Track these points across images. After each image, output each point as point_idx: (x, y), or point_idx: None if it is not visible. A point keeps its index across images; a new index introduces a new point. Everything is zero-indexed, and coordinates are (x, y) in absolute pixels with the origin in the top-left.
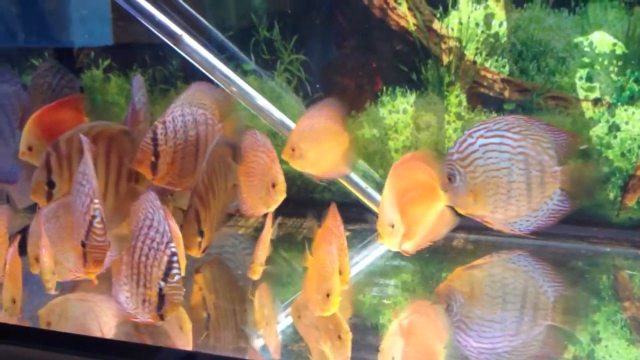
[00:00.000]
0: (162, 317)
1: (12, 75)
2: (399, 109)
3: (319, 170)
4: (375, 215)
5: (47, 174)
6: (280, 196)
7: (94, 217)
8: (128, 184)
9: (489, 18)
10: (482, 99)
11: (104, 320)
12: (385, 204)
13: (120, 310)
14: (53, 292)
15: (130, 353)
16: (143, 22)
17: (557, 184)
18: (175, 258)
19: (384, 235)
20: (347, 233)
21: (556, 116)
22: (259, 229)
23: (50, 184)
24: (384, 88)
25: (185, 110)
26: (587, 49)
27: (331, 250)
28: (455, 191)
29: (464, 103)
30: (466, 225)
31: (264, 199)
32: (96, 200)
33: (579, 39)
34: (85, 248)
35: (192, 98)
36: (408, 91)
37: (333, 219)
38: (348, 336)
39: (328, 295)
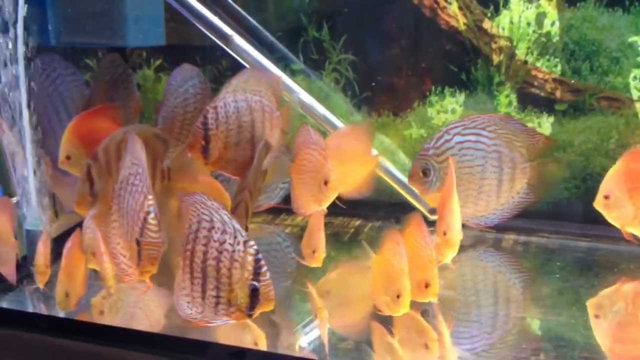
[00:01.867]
0: (251, 316)
1: (76, 70)
2: (447, 109)
3: (343, 189)
4: None
5: (89, 185)
6: (332, 193)
7: (148, 212)
8: (162, 183)
9: (540, 17)
10: (533, 99)
11: (152, 313)
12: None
13: (185, 317)
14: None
15: (179, 348)
16: (194, 22)
17: (525, 179)
18: (259, 256)
19: (456, 247)
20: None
21: (609, 117)
22: (304, 228)
23: (94, 195)
24: (433, 88)
25: (239, 96)
26: None
27: (399, 251)
28: (428, 185)
29: (514, 103)
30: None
31: (315, 196)
32: (150, 197)
33: (633, 39)
34: (140, 245)
35: (246, 85)
36: (457, 91)
37: (417, 228)
38: (435, 345)
39: (398, 297)
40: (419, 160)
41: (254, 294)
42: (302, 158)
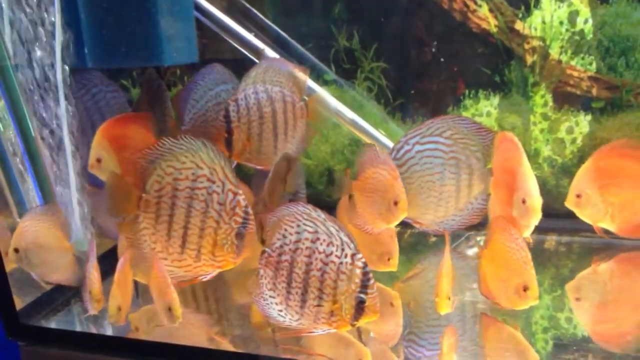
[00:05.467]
0: (354, 326)
1: (118, 88)
2: (482, 112)
3: None
4: None
5: None
6: (402, 214)
7: (247, 206)
8: None
9: (573, 15)
10: (569, 98)
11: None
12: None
13: (279, 324)
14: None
15: None
16: (226, 38)
17: (482, 184)
18: (367, 269)
19: (539, 213)
20: None
21: None
22: None
23: None
24: (467, 91)
25: (259, 87)
26: None
27: (515, 239)
28: None
29: (550, 103)
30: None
31: (383, 215)
32: (240, 191)
33: None
34: (243, 237)
35: (265, 76)
36: (491, 93)
37: (505, 232)
38: None
39: (525, 289)
40: None
41: (360, 305)
42: (369, 177)
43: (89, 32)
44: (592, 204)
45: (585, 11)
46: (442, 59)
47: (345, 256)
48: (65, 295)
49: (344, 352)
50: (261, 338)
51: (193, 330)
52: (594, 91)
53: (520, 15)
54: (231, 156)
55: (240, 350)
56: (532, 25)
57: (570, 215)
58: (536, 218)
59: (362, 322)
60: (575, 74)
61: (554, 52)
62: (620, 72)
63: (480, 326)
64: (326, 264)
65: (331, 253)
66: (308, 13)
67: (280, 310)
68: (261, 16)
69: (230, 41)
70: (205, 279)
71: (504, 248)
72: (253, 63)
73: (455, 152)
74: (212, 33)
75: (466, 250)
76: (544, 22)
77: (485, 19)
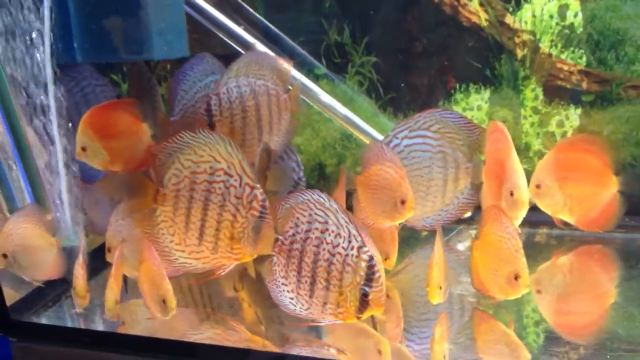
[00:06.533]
0: (359, 319)
1: (108, 83)
2: (473, 106)
3: None
4: None
5: None
6: (409, 213)
7: (264, 199)
8: None
9: (563, 9)
10: (559, 92)
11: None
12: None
13: (290, 313)
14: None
15: (222, 357)
16: (216, 32)
17: (468, 178)
18: (373, 262)
19: (526, 205)
20: None
21: (637, 105)
22: None
23: None
24: (457, 85)
25: (241, 81)
26: None
27: (506, 228)
28: None
29: (541, 97)
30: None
31: (388, 212)
32: (258, 185)
33: None
34: (260, 230)
35: (248, 69)
36: (482, 87)
37: (497, 222)
38: None
39: (516, 277)
40: None
41: (364, 298)
42: (374, 173)
43: (79, 26)
44: (550, 195)
45: (575, 5)
46: (432, 53)
47: (352, 248)
48: (56, 290)
49: (362, 342)
50: (253, 333)
51: (184, 325)
52: (584, 85)
53: (511, 9)
54: None
55: (232, 345)
56: (522, 19)
57: None
58: (523, 210)
59: (367, 315)
60: (566, 67)
61: (544, 46)
62: (610, 65)
63: (470, 318)
64: (333, 255)
65: (338, 244)
66: (298, 7)
67: (292, 299)
68: (252, 11)
69: (221, 36)
70: (223, 274)
71: (495, 238)
72: None
73: (443, 146)
74: (203, 28)
75: (457, 244)
76: (534, 16)
77: (476, 12)
